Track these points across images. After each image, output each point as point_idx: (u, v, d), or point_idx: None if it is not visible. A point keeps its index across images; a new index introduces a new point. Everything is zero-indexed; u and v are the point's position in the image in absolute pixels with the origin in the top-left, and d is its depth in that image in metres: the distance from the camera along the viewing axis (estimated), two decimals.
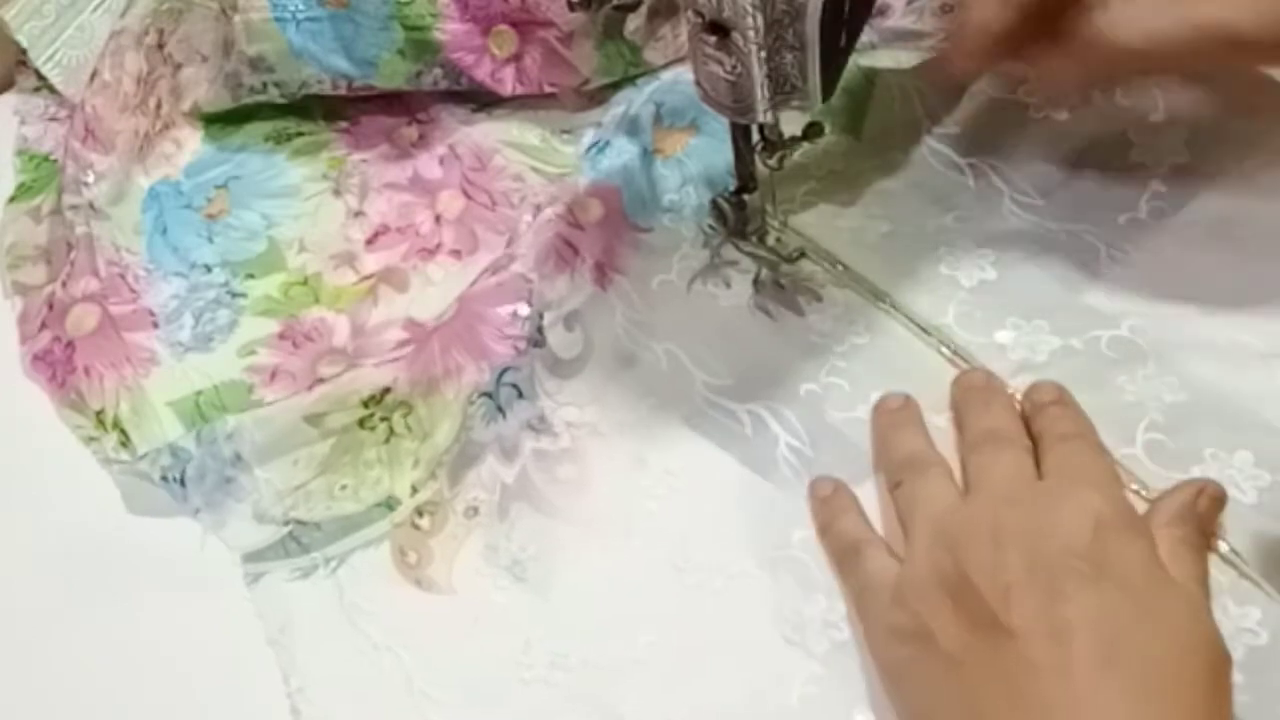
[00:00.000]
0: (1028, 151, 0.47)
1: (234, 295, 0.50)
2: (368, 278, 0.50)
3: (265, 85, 0.54)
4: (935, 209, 0.46)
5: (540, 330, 0.45)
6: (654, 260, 0.46)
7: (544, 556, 0.41)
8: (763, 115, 0.40)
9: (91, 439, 0.47)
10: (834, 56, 0.39)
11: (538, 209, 0.47)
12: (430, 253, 0.50)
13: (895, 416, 0.41)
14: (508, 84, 0.52)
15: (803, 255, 0.45)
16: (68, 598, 0.43)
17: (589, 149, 0.50)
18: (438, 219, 0.51)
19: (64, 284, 0.50)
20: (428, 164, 0.53)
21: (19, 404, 0.48)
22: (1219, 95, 0.45)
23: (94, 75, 0.56)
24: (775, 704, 0.37)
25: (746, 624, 0.38)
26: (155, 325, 0.49)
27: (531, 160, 0.52)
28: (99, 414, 0.47)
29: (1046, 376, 0.40)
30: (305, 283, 0.50)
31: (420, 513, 0.42)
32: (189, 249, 0.52)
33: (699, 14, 0.38)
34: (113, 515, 0.45)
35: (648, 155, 0.48)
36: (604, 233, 0.46)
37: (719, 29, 0.38)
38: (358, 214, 0.52)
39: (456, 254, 0.50)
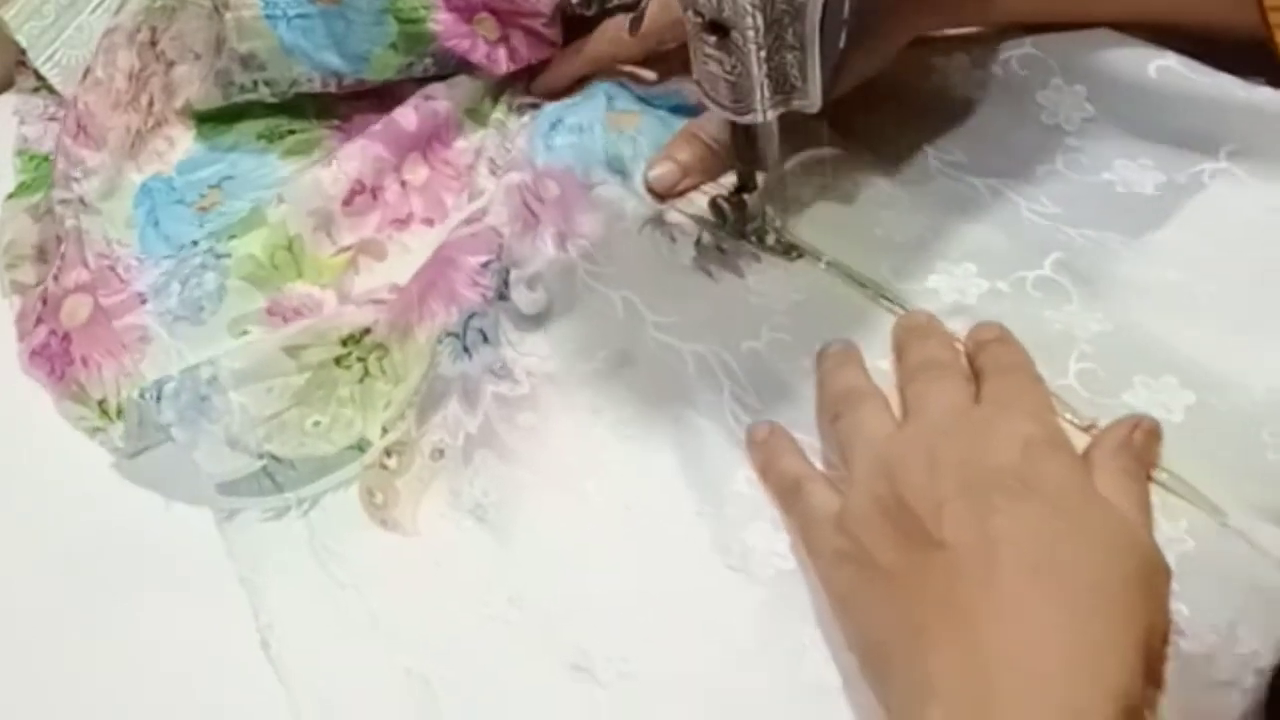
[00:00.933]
0: (951, 121, 0.49)
1: (218, 257, 0.50)
2: (346, 249, 0.51)
3: (256, 84, 0.54)
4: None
5: (506, 284, 0.46)
6: (606, 209, 0.48)
7: (505, 502, 0.42)
8: (763, 115, 0.40)
9: (96, 429, 0.47)
10: (834, 56, 0.40)
11: (498, 173, 0.49)
12: (403, 222, 0.52)
13: (837, 358, 0.42)
14: (502, 63, 0.54)
15: (801, 255, 0.46)
16: (68, 598, 0.43)
17: (547, 129, 0.51)
18: (403, 184, 0.52)
19: (56, 278, 0.51)
20: (404, 112, 0.54)
21: (19, 404, 0.49)
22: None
23: (87, 72, 0.57)
24: (725, 632, 0.38)
25: (695, 560, 0.39)
26: (144, 302, 0.50)
27: (492, 130, 0.54)
28: (101, 404, 0.48)
29: (979, 318, 0.41)
30: (289, 247, 0.51)
31: (389, 453, 0.44)
32: (181, 235, 0.53)
33: (699, 14, 0.38)
34: (113, 515, 0.45)
35: (603, 128, 0.50)
36: (562, 207, 0.48)
37: (719, 29, 0.38)
38: (332, 163, 0.52)
39: (429, 221, 0.52)
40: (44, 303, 0.51)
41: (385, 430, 0.44)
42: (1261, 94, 0.43)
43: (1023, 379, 0.39)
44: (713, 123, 0.48)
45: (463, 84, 0.54)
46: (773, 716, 0.36)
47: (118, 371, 0.48)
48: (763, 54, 0.38)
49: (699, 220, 0.48)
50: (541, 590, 0.40)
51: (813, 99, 0.40)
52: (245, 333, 0.49)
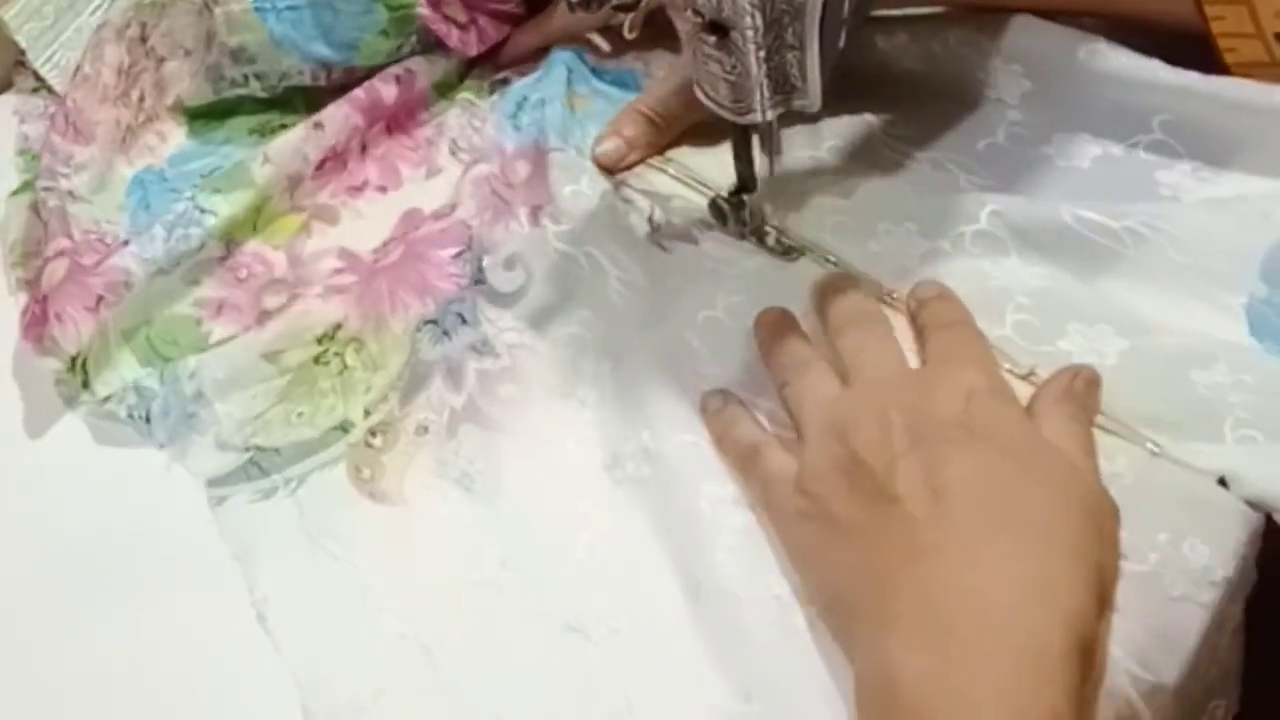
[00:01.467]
0: (895, 97, 0.51)
1: (202, 211, 0.50)
2: (301, 210, 0.52)
3: (246, 78, 0.55)
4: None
5: (481, 270, 0.48)
6: (567, 174, 0.50)
7: (490, 469, 0.44)
8: (763, 115, 0.40)
9: (59, 381, 0.48)
10: (834, 56, 0.40)
11: (468, 166, 0.50)
12: (358, 189, 0.53)
13: (774, 326, 0.43)
14: (472, 46, 0.56)
15: (802, 254, 0.47)
16: (68, 598, 0.43)
17: (513, 110, 0.53)
18: (364, 150, 0.54)
19: (40, 254, 0.51)
20: (385, 80, 0.55)
21: (19, 403, 0.49)
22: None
23: (77, 70, 0.57)
24: (709, 583, 0.39)
25: (669, 512, 0.41)
26: (127, 243, 0.50)
27: (457, 109, 0.55)
28: (74, 359, 0.48)
29: (920, 276, 0.43)
30: (260, 207, 0.52)
31: (374, 433, 0.45)
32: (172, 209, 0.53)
33: (699, 14, 0.38)
34: (113, 515, 0.45)
35: (562, 104, 0.52)
36: (533, 188, 0.50)
37: (718, 29, 0.38)
38: (317, 125, 0.53)
39: (382, 189, 0.53)
40: (29, 282, 0.51)
41: (368, 412, 0.46)
42: (1190, 76, 0.45)
43: (965, 333, 0.41)
44: (655, 97, 0.50)
45: (439, 60, 0.56)
46: (766, 662, 0.37)
47: (95, 327, 0.48)
48: (763, 54, 0.38)
49: (649, 195, 0.49)
50: (530, 552, 0.42)
51: (813, 99, 0.40)
52: (197, 282, 0.50)
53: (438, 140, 0.54)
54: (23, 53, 0.59)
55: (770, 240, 0.47)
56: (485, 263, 0.48)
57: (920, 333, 0.42)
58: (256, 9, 0.53)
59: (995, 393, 0.38)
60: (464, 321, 0.46)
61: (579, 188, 0.50)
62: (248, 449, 0.45)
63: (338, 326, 0.47)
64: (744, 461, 0.41)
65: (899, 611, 0.34)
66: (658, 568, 0.40)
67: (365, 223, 0.52)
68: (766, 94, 0.40)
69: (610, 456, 0.43)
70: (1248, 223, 0.42)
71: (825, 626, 0.37)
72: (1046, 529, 0.34)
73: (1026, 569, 0.33)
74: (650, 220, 0.49)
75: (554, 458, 0.43)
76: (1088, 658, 0.33)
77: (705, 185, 0.50)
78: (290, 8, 0.53)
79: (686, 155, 0.51)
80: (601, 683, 0.39)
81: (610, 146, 0.50)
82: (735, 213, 0.47)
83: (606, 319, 0.46)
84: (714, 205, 0.48)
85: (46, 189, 0.53)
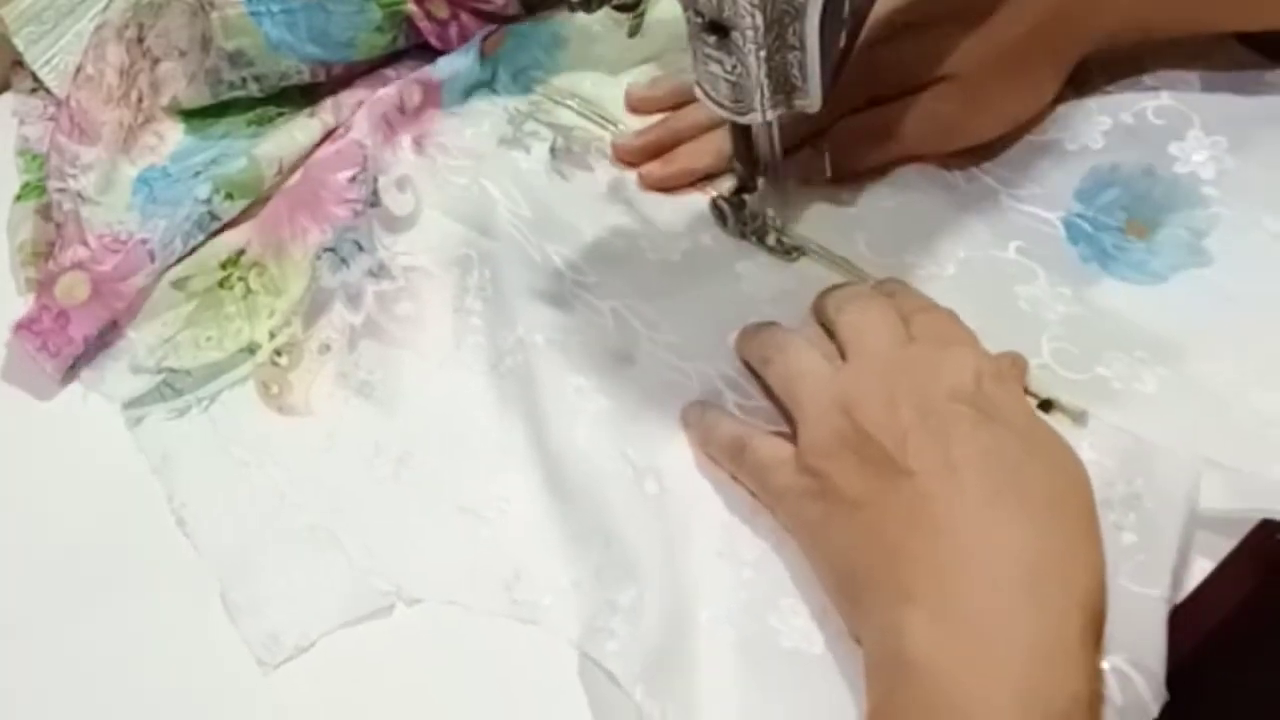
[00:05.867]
0: None
1: (214, 218, 0.52)
2: None
3: (245, 80, 0.55)
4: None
5: (375, 192, 0.51)
6: (465, 122, 0.54)
7: (388, 378, 0.47)
8: (763, 115, 0.40)
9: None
10: (834, 56, 0.40)
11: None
12: None
13: (751, 326, 0.44)
14: (453, 41, 0.56)
15: (802, 254, 0.47)
16: (68, 598, 0.44)
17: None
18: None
19: (54, 256, 0.51)
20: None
21: (19, 403, 0.49)
22: None
23: (78, 70, 0.57)
24: (585, 463, 0.43)
25: (540, 395, 0.45)
26: (152, 259, 0.50)
27: None
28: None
29: (949, 288, 0.45)
30: None
31: (279, 353, 0.48)
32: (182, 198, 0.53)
33: (699, 14, 0.38)
34: (113, 515, 0.46)
35: (474, 53, 0.55)
36: (420, 117, 0.53)
37: (719, 29, 0.38)
38: (333, 130, 0.54)
39: None
40: (40, 281, 0.51)
41: (273, 335, 0.49)
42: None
43: (940, 315, 0.42)
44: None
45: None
46: (620, 520, 0.41)
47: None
48: (763, 54, 0.38)
49: (553, 126, 0.53)
50: (427, 449, 0.45)
51: (813, 99, 0.40)
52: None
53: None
54: (20, 54, 0.59)
55: (770, 240, 0.48)
56: (380, 183, 0.51)
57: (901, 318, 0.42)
58: (252, 13, 0.53)
59: (999, 374, 0.38)
60: (360, 249, 0.50)
61: (480, 130, 0.53)
62: (160, 371, 0.48)
63: (240, 252, 0.50)
64: (733, 457, 0.41)
65: (912, 584, 0.34)
66: (534, 449, 0.44)
67: None
68: (767, 94, 0.40)
69: (496, 354, 0.47)
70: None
71: (834, 607, 0.38)
72: (1058, 506, 0.35)
73: (1042, 546, 0.33)
74: (552, 148, 0.52)
75: (448, 363, 0.47)
76: (1100, 636, 0.33)
77: (606, 119, 0.53)
78: (284, 11, 0.53)
79: (589, 89, 0.54)
80: (493, 556, 0.42)
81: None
82: (735, 213, 0.47)
83: (492, 238, 0.50)
84: (714, 205, 0.48)
85: (60, 190, 0.53)
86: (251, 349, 0.49)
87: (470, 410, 0.46)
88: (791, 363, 0.41)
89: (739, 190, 0.47)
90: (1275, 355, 0.42)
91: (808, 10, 0.37)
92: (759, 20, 0.37)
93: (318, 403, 0.47)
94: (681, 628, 0.38)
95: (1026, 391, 0.41)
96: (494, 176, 0.52)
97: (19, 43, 0.58)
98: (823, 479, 0.37)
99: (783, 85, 0.40)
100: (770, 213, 0.47)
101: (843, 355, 0.41)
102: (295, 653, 0.41)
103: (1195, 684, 0.36)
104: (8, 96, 0.61)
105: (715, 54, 0.39)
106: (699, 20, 0.38)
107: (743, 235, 0.48)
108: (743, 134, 0.44)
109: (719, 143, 0.49)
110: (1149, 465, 0.38)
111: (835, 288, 0.45)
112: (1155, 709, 0.34)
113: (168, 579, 0.44)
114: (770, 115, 0.41)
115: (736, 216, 0.47)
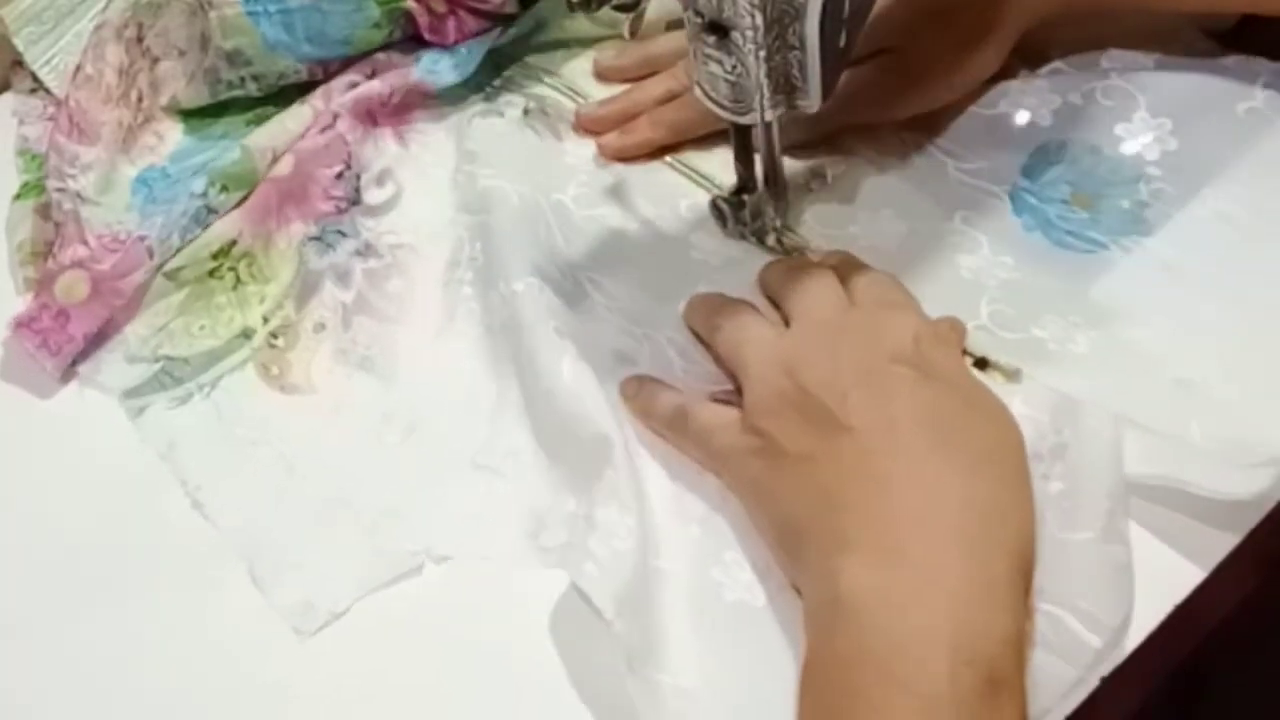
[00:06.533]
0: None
1: (210, 211, 0.52)
2: None
3: (243, 80, 0.55)
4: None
5: (358, 190, 0.53)
6: (440, 107, 0.56)
7: (386, 352, 0.49)
8: (763, 115, 0.41)
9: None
10: (834, 56, 0.40)
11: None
12: None
13: (700, 296, 0.46)
14: (450, 35, 0.56)
15: (803, 254, 0.48)
16: (68, 597, 0.44)
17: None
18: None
19: (54, 255, 0.51)
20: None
21: (19, 401, 0.49)
22: None
23: (77, 70, 0.57)
24: (586, 422, 0.43)
25: (528, 341, 0.46)
26: (151, 256, 0.50)
27: None
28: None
29: (894, 259, 0.47)
30: None
31: (275, 335, 0.50)
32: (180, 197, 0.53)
33: (699, 14, 0.39)
34: (114, 514, 0.46)
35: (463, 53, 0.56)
36: (403, 110, 0.55)
37: (719, 29, 0.38)
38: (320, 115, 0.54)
39: None
40: (39, 280, 0.51)
41: (266, 319, 0.50)
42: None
43: (879, 277, 0.44)
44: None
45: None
46: (603, 448, 0.41)
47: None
48: (763, 54, 0.38)
49: (529, 96, 0.55)
50: (436, 413, 0.47)
51: (813, 99, 0.40)
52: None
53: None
54: (20, 54, 0.58)
55: (770, 240, 0.48)
56: (362, 180, 0.53)
57: (841, 281, 0.44)
58: (249, 13, 0.53)
59: (937, 335, 0.40)
60: (344, 235, 0.52)
61: (454, 111, 0.55)
62: (157, 359, 0.49)
63: (233, 243, 0.51)
64: (674, 425, 0.42)
65: (850, 533, 0.35)
66: (533, 396, 0.45)
67: None
68: (767, 94, 0.40)
69: (488, 315, 0.48)
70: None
71: (775, 560, 0.39)
72: (992, 459, 0.36)
73: (975, 494, 0.35)
74: (525, 111, 0.54)
75: (445, 333, 0.49)
76: (1029, 579, 0.35)
77: (576, 93, 0.55)
78: (281, 11, 0.53)
79: (560, 64, 0.57)
80: (514, 508, 0.43)
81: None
82: (735, 213, 0.47)
83: (475, 212, 0.52)
84: (714, 205, 0.48)
85: (59, 190, 0.53)
86: (247, 334, 0.50)
87: (471, 371, 0.48)
88: (738, 329, 0.43)
89: (739, 190, 0.47)
90: (1204, 325, 0.44)
91: (808, 10, 0.37)
92: (759, 20, 0.37)
93: (319, 379, 0.49)
94: (644, 572, 0.39)
95: (964, 352, 0.43)
96: (474, 139, 0.54)
97: (19, 43, 0.58)
98: (766, 437, 0.38)
99: (783, 85, 0.40)
100: (770, 213, 0.48)
101: (787, 323, 0.43)
102: (330, 619, 0.42)
103: (1195, 684, 0.37)
104: (7, 96, 0.60)
105: (715, 54, 0.39)
106: (699, 20, 0.39)
107: (742, 235, 0.48)
108: (743, 134, 0.45)
109: (677, 113, 0.51)
110: (1075, 417, 0.40)
111: (779, 260, 0.47)
112: (1097, 642, 0.35)
113: (168, 578, 0.44)
114: (770, 115, 0.41)
115: (736, 216, 0.48)
